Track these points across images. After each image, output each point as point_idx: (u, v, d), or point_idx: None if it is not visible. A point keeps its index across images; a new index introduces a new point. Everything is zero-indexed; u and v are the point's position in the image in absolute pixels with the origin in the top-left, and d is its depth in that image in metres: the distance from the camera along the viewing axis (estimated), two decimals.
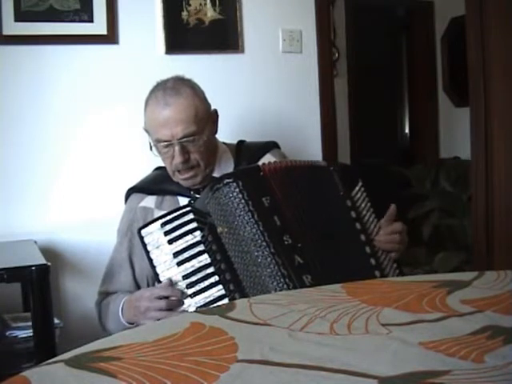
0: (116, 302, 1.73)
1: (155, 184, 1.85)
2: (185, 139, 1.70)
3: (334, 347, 0.92)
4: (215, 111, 1.83)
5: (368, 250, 1.59)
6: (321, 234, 1.56)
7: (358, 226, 1.60)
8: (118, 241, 1.84)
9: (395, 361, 0.85)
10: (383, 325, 1.00)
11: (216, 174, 1.78)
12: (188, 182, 1.77)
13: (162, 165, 1.84)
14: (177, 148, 1.70)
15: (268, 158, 1.81)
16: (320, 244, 1.55)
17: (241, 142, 1.95)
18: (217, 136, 1.87)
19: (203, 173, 1.77)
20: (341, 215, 1.62)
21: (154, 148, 1.77)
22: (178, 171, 1.76)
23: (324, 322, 1.03)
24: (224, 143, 1.91)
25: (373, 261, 1.58)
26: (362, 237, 1.60)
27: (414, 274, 1.61)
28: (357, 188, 1.65)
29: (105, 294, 1.81)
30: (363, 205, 1.64)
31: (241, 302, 1.19)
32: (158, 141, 1.73)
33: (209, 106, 1.80)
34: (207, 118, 1.77)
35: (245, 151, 1.89)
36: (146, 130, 1.79)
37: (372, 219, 1.64)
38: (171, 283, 1.53)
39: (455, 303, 1.09)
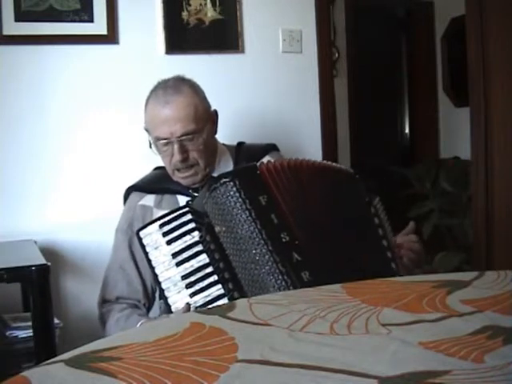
0: (130, 321, 1.68)
1: (155, 183, 1.86)
2: (184, 137, 1.71)
3: (334, 347, 0.92)
4: (215, 112, 1.83)
5: (389, 254, 1.56)
6: (332, 232, 1.54)
7: (380, 231, 1.57)
8: (116, 241, 1.83)
9: (395, 361, 0.85)
10: (383, 325, 1.00)
11: (215, 175, 1.77)
12: (188, 180, 1.78)
13: (162, 165, 1.84)
14: (176, 146, 1.71)
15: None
16: (326, 242, 1.52)
17: (240, 144, 1.95)
18: (216, 136, 1.87)
19: (203, 172, 1.77)
20: (363, 219, 1.59)
21: (153, 146, 1.77)
22: (178, 170, 1.76)
23: (324, 322, 1.03)
24: (224, 144, 1.91)
25: (393, 265, 1.55)
26: (384, 242, 1.56)
27: (414, 274, 1.60)
28: (377, 199, 1.63)
29: (108, 302, 1.78)
30: (382, 215, 1.62)
31: (241, 302, 1.18)
32: (157, 139, 1.74)
33: (209, 105, 1.81)
34: (207, 118, 1.77)
35: (244, 153, 1.89)
36: (147, 129, 1.80)
37: (390, 230, 1.62)
38: (189, 307, 1.49)
39: (455, 303, 1.09)
